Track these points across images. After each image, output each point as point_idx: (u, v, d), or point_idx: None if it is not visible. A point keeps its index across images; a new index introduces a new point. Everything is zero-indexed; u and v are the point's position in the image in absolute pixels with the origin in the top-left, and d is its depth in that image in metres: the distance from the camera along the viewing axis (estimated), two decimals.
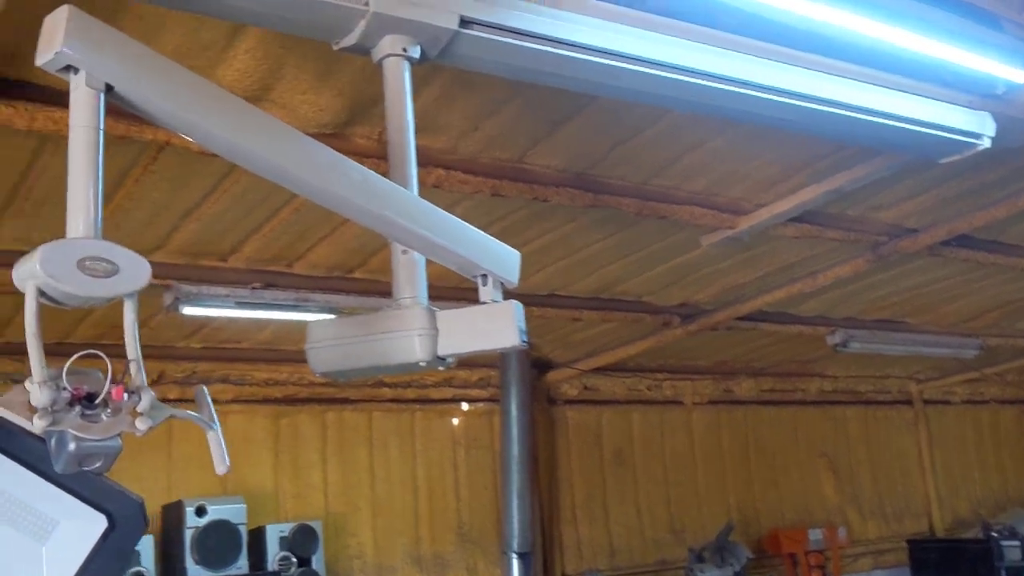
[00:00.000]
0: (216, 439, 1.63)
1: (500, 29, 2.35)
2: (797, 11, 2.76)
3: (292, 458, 6.25)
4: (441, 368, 2.18)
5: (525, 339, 2.10)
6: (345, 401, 6.47)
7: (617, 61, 2.56)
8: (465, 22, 2.29)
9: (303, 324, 5.54)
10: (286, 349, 6.05)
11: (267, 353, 6.01)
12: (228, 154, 1.79)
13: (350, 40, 2.23)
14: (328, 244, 4.50)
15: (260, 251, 4.46)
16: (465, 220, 4.22)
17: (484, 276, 2.13)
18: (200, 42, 2.80)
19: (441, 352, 2.10)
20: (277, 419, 6.23)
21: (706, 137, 3.83)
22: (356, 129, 3.43)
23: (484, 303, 2.12)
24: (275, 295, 4.63)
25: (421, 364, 2.09)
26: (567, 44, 2.44)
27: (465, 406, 7.00)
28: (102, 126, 1.62)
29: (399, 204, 1.98)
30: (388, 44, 2.23)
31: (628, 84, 2.66)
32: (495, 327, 2.08)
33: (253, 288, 4.55)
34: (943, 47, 2.92)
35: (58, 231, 3.92)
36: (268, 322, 5.39)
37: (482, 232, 2.16)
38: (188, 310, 4.39)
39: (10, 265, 3.84)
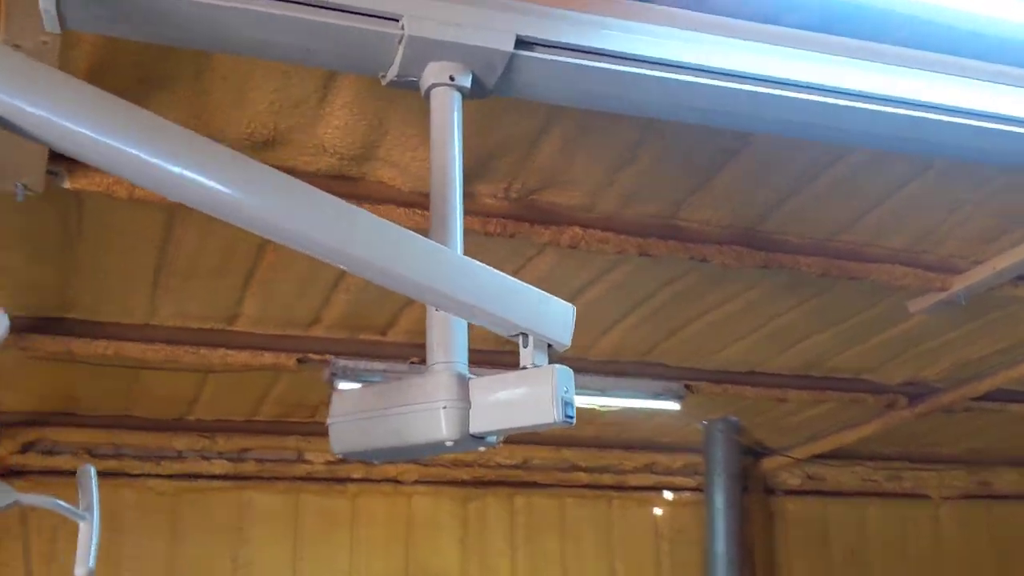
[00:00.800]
0: (87, 532, 1.35)
1: (567, 49, 2.01)
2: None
3: (479, 545, 5.96)
4: (482, 448, 1.81)
5: (571, 415, 1.70)
6: (535, 485, 6.12)
7: (728, 81, 2.13)
8: (523, 43, 1.97)
9: None
10: None
11: None
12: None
13: (393, 72, 1.96)
14: None
15: (419, 323, 4.27)
16: (624, 286, 3.93)
17: (524, 336, 1.75)
18: (291, 98, 2.65)
19: (475, 429, 1.73)
20: (464, 502, 5.98)
21: (897, 182, 3.24)
22: (479, 187, 3.16)
23: (524, 368, 1.74)
24: None
25: (448, 444, 1.73)
26: (655, 63, 2.05)
27: (668, 495, 6.44)
28: None
29: (404, 251, 1.65)
30: (433, 73, 1.94)
31: (751, 110, 2.22)
32: (531, 399, 1.69)
33: (411, 363, 4.36)
34: None
35: (212, 302, 3.93)
36: None
37: (521, 282, 1.79)
38: (344, 386, 4.26)
39: (176, 341, 3.82)
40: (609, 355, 4.70)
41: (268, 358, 4.17)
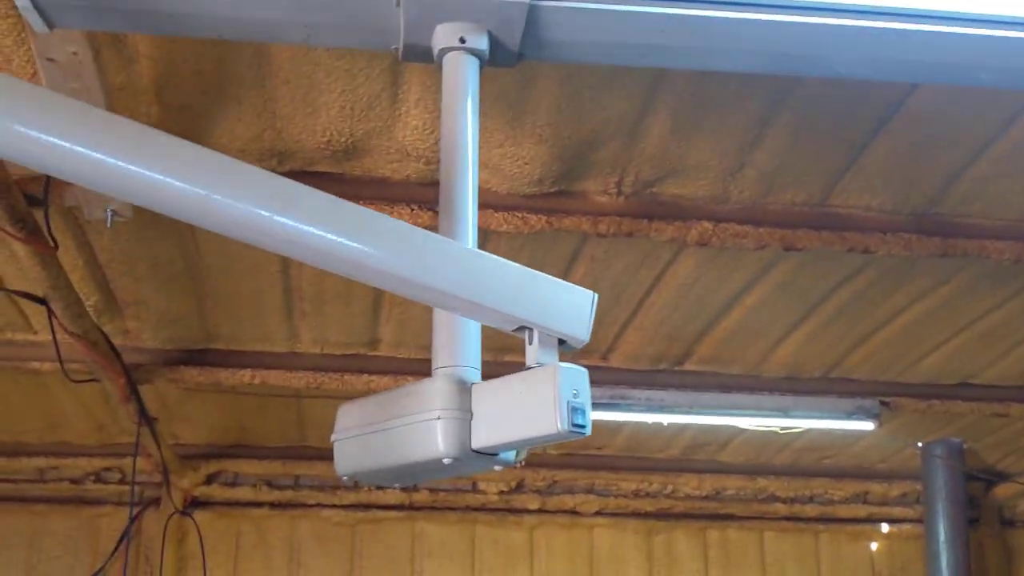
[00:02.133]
0: None
1: None
2: None
3: None
4: (497, 468, 1.52)
5: (581, 424, 1.37)
6: (730, 518, 5.63)
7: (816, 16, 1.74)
8: None
9: (667, 429, 4.97)
10: (654, 457, 5.44)
11: (632, 461, 5.45)
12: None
13: (400, 40, 1.73)
14: (636, 331, 3.90)
15: None
16: (789, 288, 3.48)
17: (528, 331, 1.45)
18: (362, 99, 2.48)
19: (477, 444, 1.44)
20: (649, 535, 5.58)
21: None
22: (585, 184, 2.86)
23: (528, 369, 1.43)
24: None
25: (446, 462, 1.45)
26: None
27: (885, 527, 5.74)
28: None
29: (373, 237, 1.39)
30: (442, 36, 1.70)
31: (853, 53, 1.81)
32: (532, 405, 1.39)
33: None
34: None
35: (350, 328, 3.84)
36: (620, 425, 4.86)
37: (522, 267, 1.48)
38: None
39: (318, 369, 3.77)
40: (787, 370, 4.21)
41: (411, 382, 4.02)
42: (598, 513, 5.51)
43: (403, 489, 5.37)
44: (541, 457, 5.43)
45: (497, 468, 1.51)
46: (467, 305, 1.40)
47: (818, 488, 5.64)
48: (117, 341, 3.69)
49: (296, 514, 5.31)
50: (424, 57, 1.76)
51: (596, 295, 1.50)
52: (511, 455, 1.50)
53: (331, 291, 3.51)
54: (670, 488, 5.52)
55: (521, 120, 2.57)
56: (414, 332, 3.86)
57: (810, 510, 5.66)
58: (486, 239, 3.16)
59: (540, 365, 1.41)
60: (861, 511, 5.70)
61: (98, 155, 1.27)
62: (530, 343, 1.44)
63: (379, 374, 4.01)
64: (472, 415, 1.45)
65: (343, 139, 2.61)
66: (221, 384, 3.98)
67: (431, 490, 5.39)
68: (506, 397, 1.43)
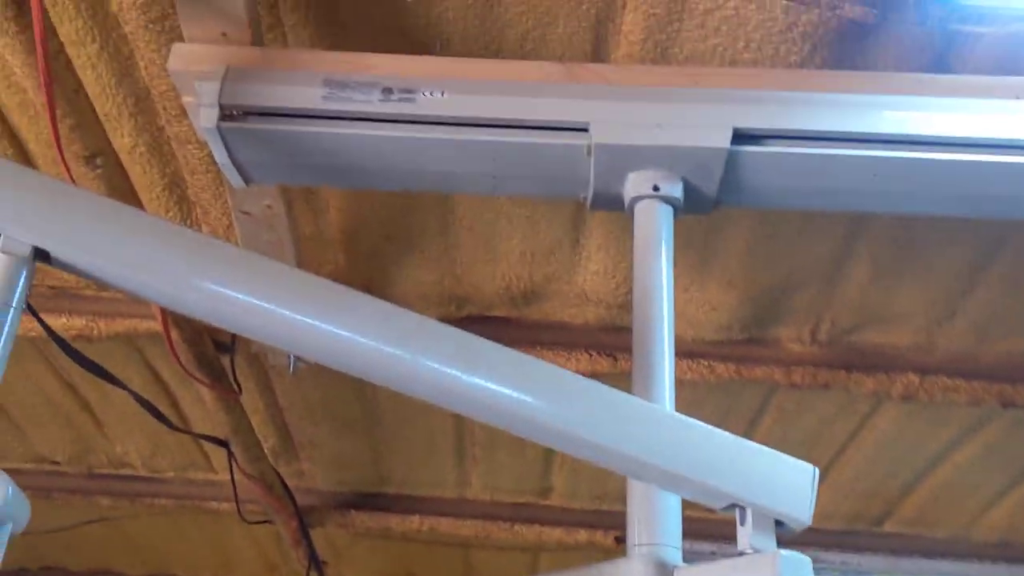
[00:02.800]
0: None
1: (802, 139, 1.59)
2: None
3: None
4: None
5: None
6: None
7: None
8: (743, 136, 1.59)
9: None
10: None
11: None
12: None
13: (590, 190, 1.67)
14: (829, 487, 3.59)
15: None
16: (1002, 448, 3.16)
17: (740, 509, 1.29)
18: (543, 246, 2.44)
19: None
20: None
21: None
22: (779, 331, 2.69)
23: (740, 554, 1.27)
24: None
25: None
26: (919, 143, 1.56)
27: None
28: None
29: (566, 400, 1.28)
30: (634, 184, 1.62)
31: None
32: None
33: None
34: None
35: (521, 474, 3.73)
36: None
37: (733, 436, 1.34)
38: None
39: (488, 517, 3.70)
40: (1000, 535, 3.77)
41: (583, 535, 3.84)
42: None
43: None
44: None
45: None
46: (670, 477, 1.26)
47: None
48: (291, 482, 3.71)
49: None
50: (615, 205, 1.68)
51: (816, 469, 1.33)
52: None
53: (504, 436, 3.41)
54: None
55: (709, 264, 2.45)
56: (588, 481, 3.70)
57: None
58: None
59: (755, 551, 1.24)
60: None
61: (285, 312, 1.23)
62: (742, 524, 1.27)
63: (551, 525, 3.84)
64: None
65: (522, 284, 2.56)
66: (391, 530, 3.91)
67: None
68: None
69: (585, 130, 1.59)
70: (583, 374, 2.86)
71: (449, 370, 1.27)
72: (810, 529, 4.01)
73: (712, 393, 2.99)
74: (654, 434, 1.25)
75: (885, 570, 3.87)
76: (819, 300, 2.55)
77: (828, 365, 2.71)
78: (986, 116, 1.65)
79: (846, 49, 1.79)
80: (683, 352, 2.73)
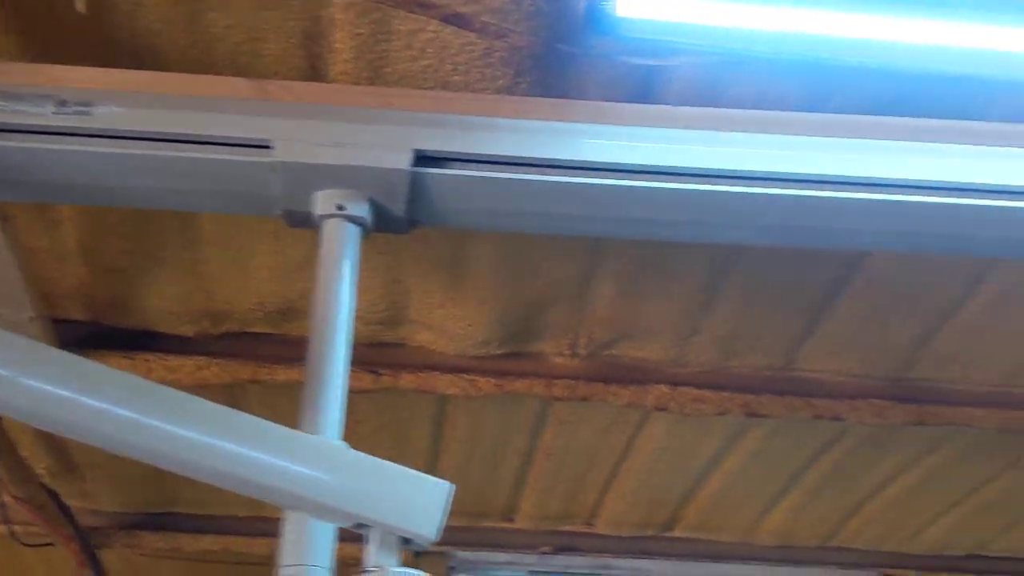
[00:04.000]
0: None
1: (486, 163, 1.63)
2: None
3: None
4: None
5: None
6: None
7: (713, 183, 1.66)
8: (426, 158, 1.62)
9: None
10: None
11: None
12: None
13: (279, 208, 1.67)
14: (616, 495, 3.69)
15: (545, 507, 3.79)
16: (765, 455, 3.29)
17: (366, 528, 1.30)
18: (292, 261, 2.42)
19: None
20: None
21: None
22: (540, 345, 2.74)
23: (363, 572, 1.28)
24: (570, 561, 3.88)
25: None
26: (593, 168, 1.63)
27: None
28: None
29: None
30: (320, 203, 1.63)
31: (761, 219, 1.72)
32: None
33: (542, 553, 3.85)
34: None
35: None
36: None
37: (365, 455, 1.36)
38: None
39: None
40: (780, 539, 3.94)
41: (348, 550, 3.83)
42: None
43: None
44: None
45: None
46: (288, 498, 1.27)
47: None
48: (75, 503, 3.57)
49: None
50: (308, 223, 1.69)
51: (453, 487, 1.36)
52: None
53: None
54: None
55: (461, 282, 2.49)
56: None
57: None
58: (445, 403, 3.04)
59: (377, 568, 1.26)
60: None
61: None
62: (366, 542, 1.29)
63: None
64: None
65: (276, 300, 2.54)
66: (181, 550, 3.81)
67: None
68: None
69: (269, 147, 1.59)
70: (348, 390, 2.85)
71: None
72: (606, 536, 4.12)
73: (489, 407, 3.03)
74: (270, 452, 1.26)
75: (674, 574, 4.00)
76: (573, 316, 2.62)
77: (588, 378, 2.79)
78: (686, 146, 1.73)
79: (551, 76, 1.84)
80: (447, 367, 2.76)
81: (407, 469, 1.36)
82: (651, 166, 1.68)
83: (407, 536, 1.30)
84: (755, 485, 3.56)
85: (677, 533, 3.96)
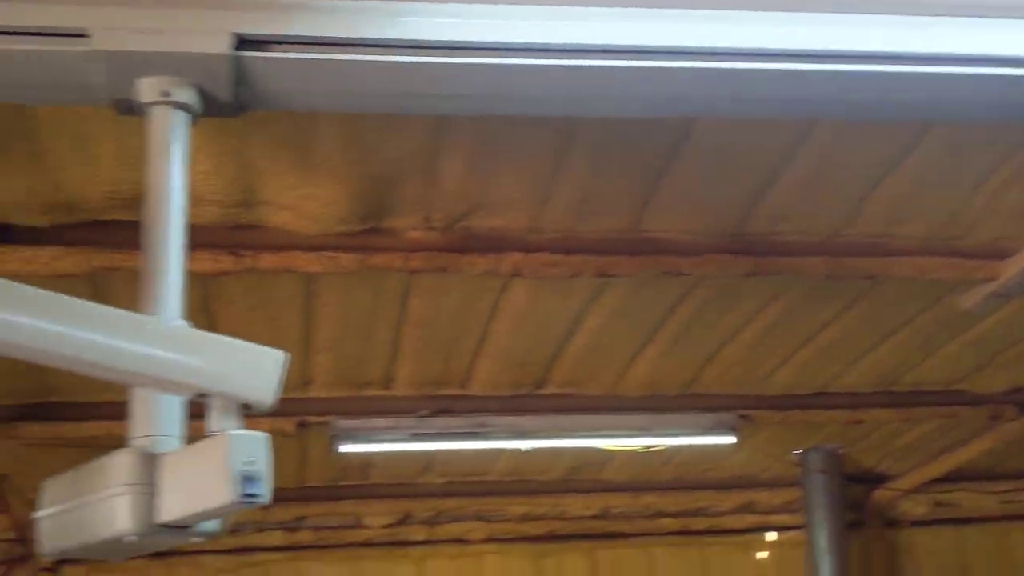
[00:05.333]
0: None
1: (305, 44, 1.67)
2: None
3: None
4: (196, 540, 1.47)
5: (254, 493, 1.33)
6: (618, 536, 5.63)
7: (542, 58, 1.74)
8: (247, 42, 1.65)
9: (545, 452, 4.91)
10: (539, 479, 5.41)
11: (517, 484, 5.41)
12: None
13: (105, 96, 1.69)
14: (488, 358, 3.87)
15: (421, 373, 3.95)
16: (625, 312, 3.48)
17: (207, 397, 1.40)
18: (137, 147, 2.41)
19: (162, 519, 1.39)
20: (538, 559, 5.56)
21: (888, 158, 2.68)
22: (397, 220, 2.82)
23: (205, 437, 1.39)
24: (448, 423, 4.08)
25: (130, 539, 1.40)
26: (417, 46, 1.68)
27: (772, 535, 5.79)
28: None
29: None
30: (145, 91, 1.65)
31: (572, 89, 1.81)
32: (207, 476, 1.34)
33: (419, 416, 4.04)
34: None
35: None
36: (499, 452, 4.83)
37: (199, 331, 1.44)
38: (346, 448, 3.98)
39: None
40: (645, 389, 4.21)
41: (265, 424, 3.94)
42: (486, 540, 5.47)
43: (286, 529, 5.27)
44: (426, 487, 5.37)
45: (196, 540, 1.46)
46: (132, 377, 1.35)
47: (704, 501, 5.67)
48: None
49: (175, 561, 5.18)
50: (137, 111, 1.71)
51: (287, 355, 1.46)
52: (214, 524, 1.45)
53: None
54: (558, 510, 5.50)
55: (311, 161, 2.53)
56: None
57: (698, 523, 5.69)
58: (311, 281, 3.12)
59: (217, 432, 1.37)
60: (747, 520, 5.75)
61: None
62: (209, 410, 1.39)
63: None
64: (157, 488, 1.39)
65: (128, 187, 2.54)
66: (63, 438, 3.85)
67: (315, 528, 5.30)
68: (187, 468, 1.39)
69: (86, 35, 1.60)
70: (206, 273, 2.89)
71: None
72: (477, 398, 4.30)
73: (355, 282, 3.12)
74: (108, 335, 1.33)
75: (547, 427, 4.25)
76: (424, 191, 2.69)
77: (445, 249, 2.89)
78: (513, 22, 1.77)
79: None
80: (308, 246, 2.83)
81: (243, 342, 1.45)
82: (477, 42, 1.73)
83: (245, 402, 1.40)
84: (617, 341, 3.78)
85: (548, 391, 4.19)
